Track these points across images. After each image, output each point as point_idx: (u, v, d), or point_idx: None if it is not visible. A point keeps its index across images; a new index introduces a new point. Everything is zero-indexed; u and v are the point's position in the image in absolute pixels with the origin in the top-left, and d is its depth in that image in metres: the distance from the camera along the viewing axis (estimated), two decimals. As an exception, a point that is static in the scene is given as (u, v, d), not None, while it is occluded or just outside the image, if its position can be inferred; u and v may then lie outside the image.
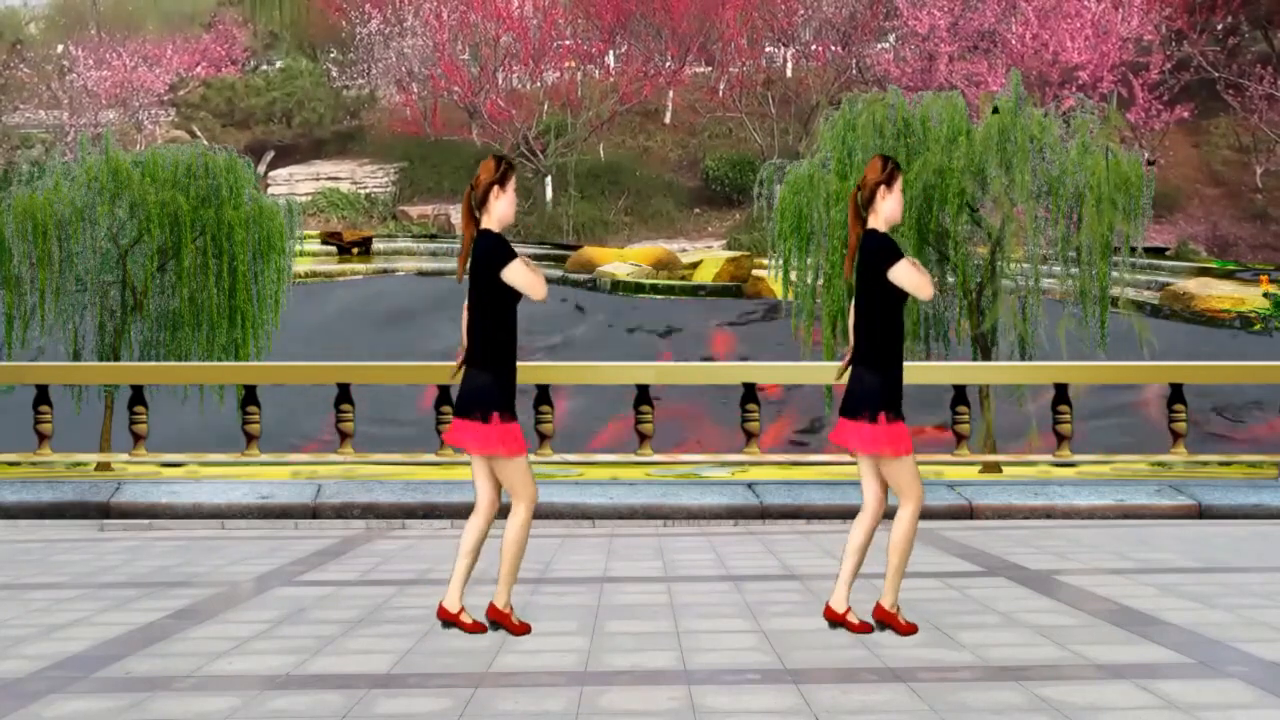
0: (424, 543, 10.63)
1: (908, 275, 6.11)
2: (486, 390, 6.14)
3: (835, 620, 6.34)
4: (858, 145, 19.13)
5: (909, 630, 6.26)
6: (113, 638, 6.55)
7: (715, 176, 41.92)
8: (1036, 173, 18.89)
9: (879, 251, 6.17)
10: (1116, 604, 7.16)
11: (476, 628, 6.36)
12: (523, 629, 6.38)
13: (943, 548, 9.88)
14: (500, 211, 6.22)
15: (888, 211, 6.26)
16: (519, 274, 6.10)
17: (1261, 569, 8.81)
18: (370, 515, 12.26)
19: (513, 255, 6.13)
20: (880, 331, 6.17)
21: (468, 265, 6.22)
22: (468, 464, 6.46)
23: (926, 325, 19.80)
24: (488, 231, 6.21)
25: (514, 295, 6.14)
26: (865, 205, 6.27)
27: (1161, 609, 6.95)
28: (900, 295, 6.16)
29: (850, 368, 6.26)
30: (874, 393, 6.12)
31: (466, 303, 6.28)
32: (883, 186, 6.24)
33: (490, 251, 6.13)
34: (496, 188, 6.21)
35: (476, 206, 6.24)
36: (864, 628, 6.30)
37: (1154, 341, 18.38)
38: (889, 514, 6.33)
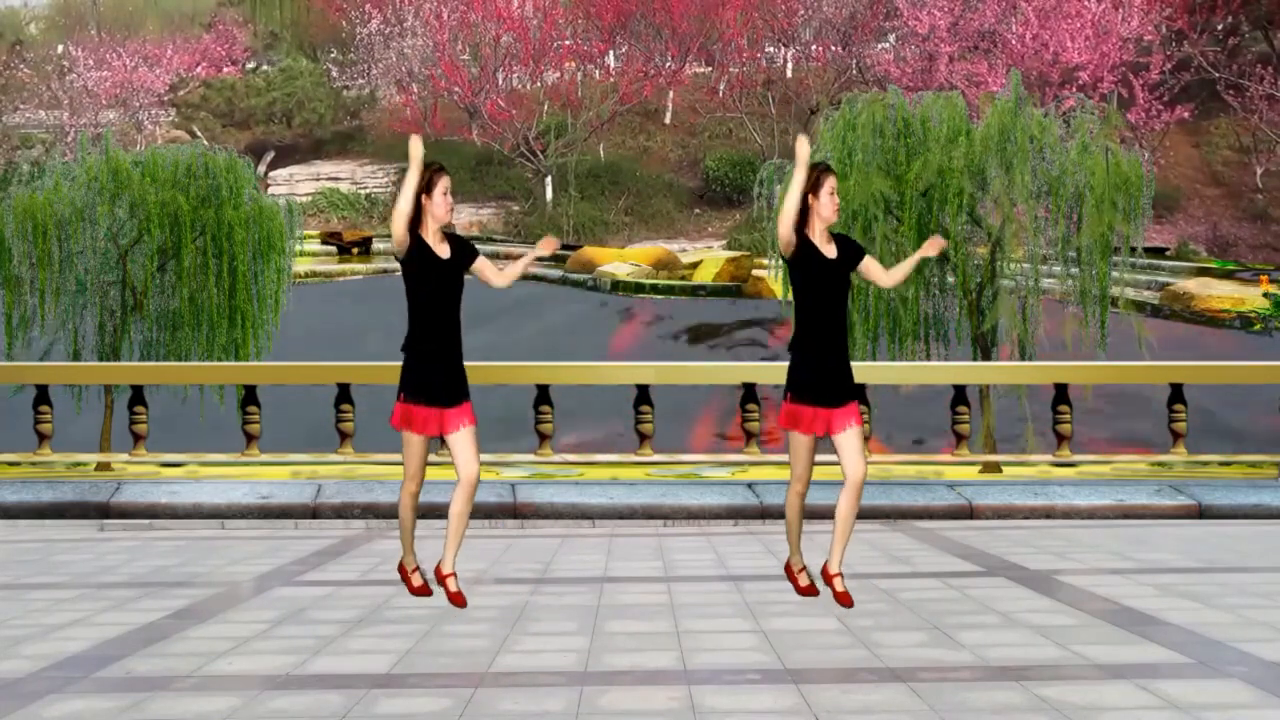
0: (424, 543, 10.58)
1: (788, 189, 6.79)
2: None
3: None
4: (858, 145, 19.12)
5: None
6: (113, 638, 6.55)
7: (715, 176, 41.92)
8: (1036, 173, 18.87)
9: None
10: (1116, 604, 7.16)
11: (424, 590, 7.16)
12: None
13: (943, 548, 9.89)
14: (435, 214, 6.77)
15: (822, 215, 6.80)
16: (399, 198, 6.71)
17: (1261, 569, 8.81)
18: (370, 515, 12.26)
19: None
20: (798, 319, 6.85)
21: None
22: None
23: (926, 325, 19.79)
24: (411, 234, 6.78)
25: (415, 283, 6.71)
26: (803, 215, 6.80)
27: (1161, 609, 6.95)
28: (808, 285, 6.76)
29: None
30: (789, 372, 6.81)
31: None
32: (810, 196, 6.79)
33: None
34: (424, 196, 6.72)
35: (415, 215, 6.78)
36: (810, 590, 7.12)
37: (1153, 342, 18.37)
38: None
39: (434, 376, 6.69)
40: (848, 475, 6.67)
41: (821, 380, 6.68)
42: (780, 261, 20.13)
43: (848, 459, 6.65)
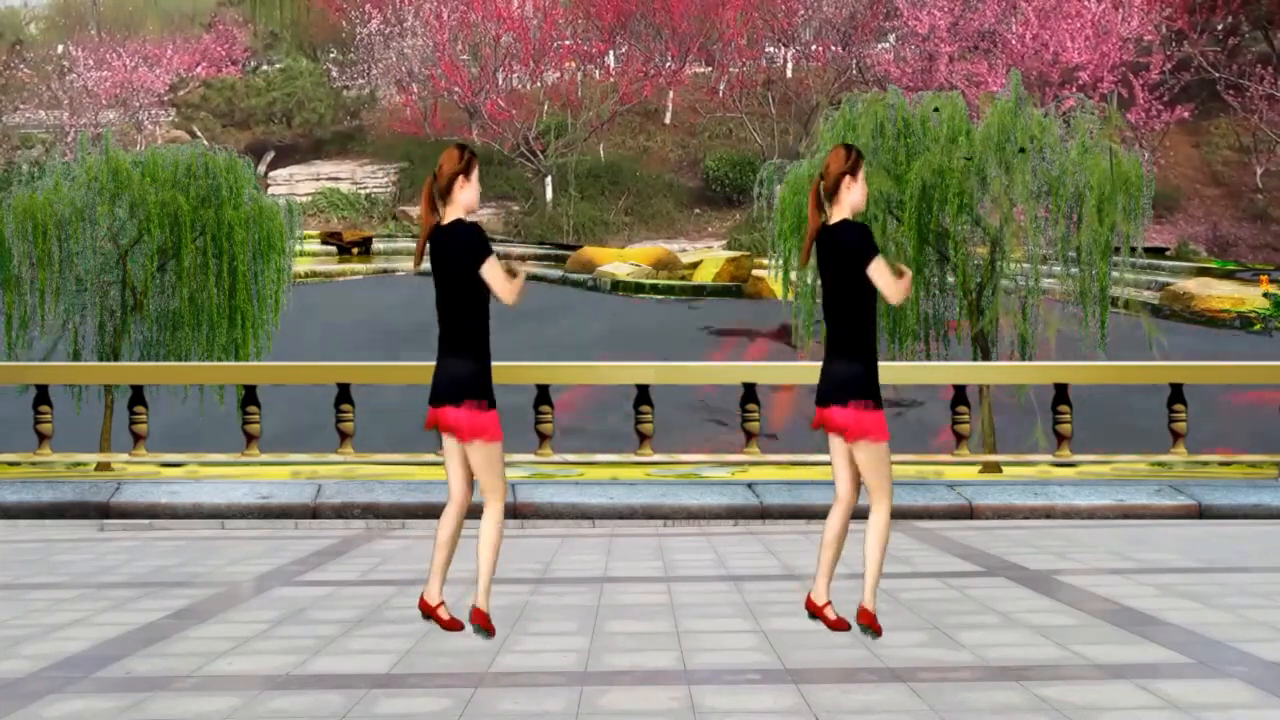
0: (424, 543, 10.60)
1: (882, 276, 6.13)
2: (467, 377, 6.16)
3: (814, 612, 6.34)
4: (858, 145, 19.11)
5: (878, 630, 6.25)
6: (113, 638, 6.55)
7: (715, 176, 41.95)
8: (1036, 173, 18.88)
9: (860, 245, 6.16)
10: (1116, 604, 7.16)
11: (454, 624, 6.35)
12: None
13: (943, 548, 9.88)
14: (466, 200, 6.23)
15: (853, 200, 6.24)
16: (494, 274, 6.14)
17: (1261, 569, 8.81)
18: (370, 515, 12.26)
19: (490, 252, 6.19)
20: (859, 320, 6.17)
21: (437, 255, 6.21)
22: None
23: (926, 325, 19.79)
24: (470, 223, 6.26)
25: (487, 287, 6.20)
26: (829, 196, 6.23)
27: (1161, 609, 6.94)
28: (873, 286, 6.18)
29: (827, 354, 6.24)
30: (857, 379, 6.11)
31: (437, 293, 6.25)
32: (848, 176, 6.21)
33: (473, 245, 6.16)
34: (461, 177, 6.20)
35: (440, 197, 6.22)
36: (840, 624, 6.30)
37: (1164, 341, 18.37)
38: (861, 514, 6.29)
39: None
40: (854, 495, 6.29)
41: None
42: (782, 263, 20.17)
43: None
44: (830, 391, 6.16)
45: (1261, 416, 19.61)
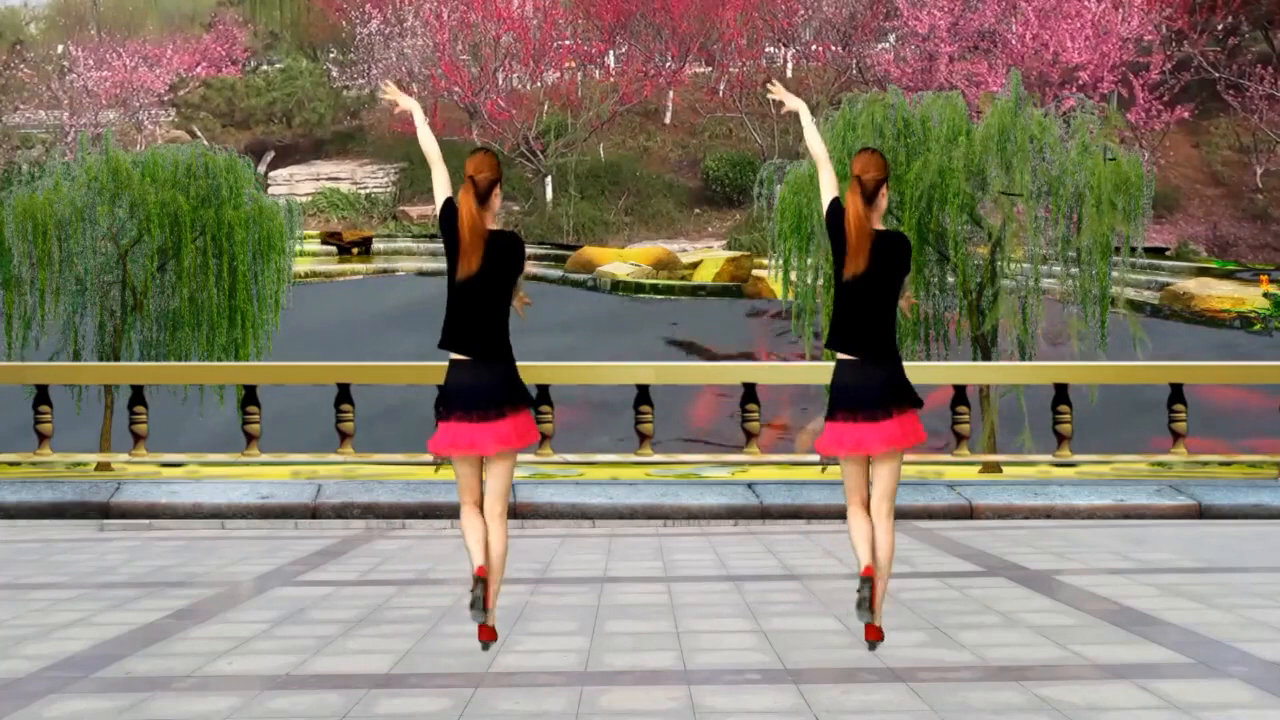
0: (424, 543, 10.63)
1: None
2: (519, 381, 6.00)
3: (871, 579, 5.94)
4: (858, 145, 19.10)
5: None
6: (113, 638, 6.55)
7: (715, 176, 41.93)
8: (1036, 173, 18.87)
9: (907, 250, 6.16)
10: (1116, 604, 7.16)
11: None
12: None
13: (943, 548, 9.88)
14: (497, 207, 6.11)
15: (883, 207, 6.16)
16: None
17: (1261, 569, 8.81)
18: (370, 515, 12.26)
19: None
20: (894, 327, 6.08)
21: (489, 262, 5.96)
22: None
23: (926, 325, 19.78)
24: (513, 231, 6.25)
25: None
26: (868, 201, 6.05)
27: (1161, 609, 6.94)
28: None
29: (867, 364, 6.02)
30: (908, 383, 6.00)
31: (470, 298, 5.98)
32: (885, 184, 6.11)
33: (523, 253, 6.12)
34: (498, 185, 6.06)
35: (479, 203, 5.99)
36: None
37: (1147, 341, 18.37)
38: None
39: None
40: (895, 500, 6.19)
41: None
42: (782, 263, 20.15)
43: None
44: (892, 397, 5.94)
45: (1227, 415, 19.74)
